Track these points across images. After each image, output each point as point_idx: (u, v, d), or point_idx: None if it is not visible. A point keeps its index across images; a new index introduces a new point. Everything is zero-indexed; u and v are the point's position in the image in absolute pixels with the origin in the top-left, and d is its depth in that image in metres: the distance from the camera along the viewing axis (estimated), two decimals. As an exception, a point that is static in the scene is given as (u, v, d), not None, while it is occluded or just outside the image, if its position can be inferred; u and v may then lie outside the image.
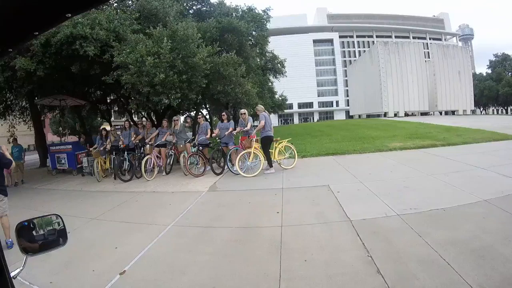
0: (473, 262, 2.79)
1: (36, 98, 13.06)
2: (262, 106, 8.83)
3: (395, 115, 43.17)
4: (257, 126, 8.44)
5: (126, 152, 9.21)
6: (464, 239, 3.27)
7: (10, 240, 4.23)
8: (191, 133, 13.36)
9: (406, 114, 43.57)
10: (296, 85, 70.22)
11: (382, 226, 3.87)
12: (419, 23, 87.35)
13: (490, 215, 3.87)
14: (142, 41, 9.01)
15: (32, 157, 17.93)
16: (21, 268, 1.24)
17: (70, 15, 0.79)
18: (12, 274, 1.09)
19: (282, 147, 8.61)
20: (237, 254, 3.60)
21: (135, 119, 15.97)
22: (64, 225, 1.37)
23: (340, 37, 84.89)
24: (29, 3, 0.73)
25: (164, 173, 9.13)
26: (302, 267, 3.09)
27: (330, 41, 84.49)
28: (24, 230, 1.25)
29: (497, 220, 3.71)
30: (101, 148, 9.98)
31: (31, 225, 1.27)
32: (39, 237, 1.28)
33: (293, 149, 8.69)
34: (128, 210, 6.04)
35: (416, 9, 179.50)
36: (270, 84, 22.73)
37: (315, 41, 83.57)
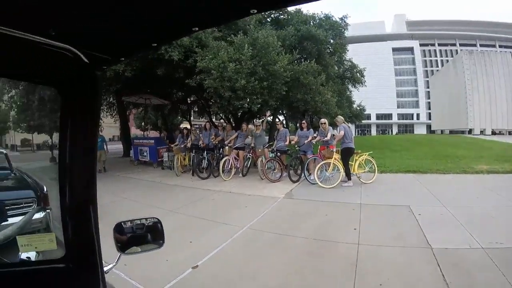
0: None
1: (123, 95, 14.28)
2: (342, 117, 8.63)
3: (481, 132, 38.86)
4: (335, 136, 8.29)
5: (205, 151, 9.73)
6: None
7: None
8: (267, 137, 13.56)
9: (493, 133, 38.99)
10: (375, 95, 66.72)
11: (464, 259, 3.53)
12: (507, 30, 76.85)
13: None
14: (224, 48, 9.46)
15: (116, 147, 19.96)
16: (114, 264, 1.32)
17: (197, 29, 0.86)
18: (105, 269, 1.17)
19: (362, 160, 8.33)
20: (310, 267, 3.56)
21: (214, 120, 16.83)
22: (162, 229, 1.39)
23: (421, 45, 78.77)
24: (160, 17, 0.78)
25: (240, 175, 9.40)
26: None
27: (410, 49, 78.93)
28: (122, 229, 1.28)
29: None
30: (182, 145, 10.72)
31: (130, 225, 1.31)
32: (135, 237, 1.31)
33: (373, 163, 8.38)
34: (205, 207, 6.32)
35: (502, 15, 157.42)
36: (348, 93, 22.14)
37: (394, 50, 78.74)
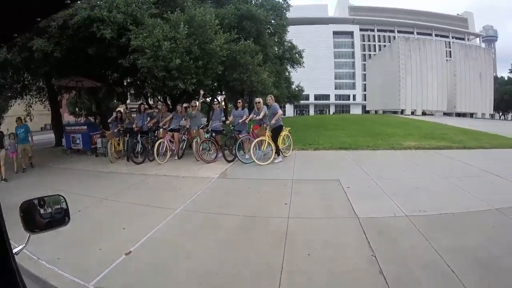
0: (478, 272, 2.76)
1: (53, 79, 13.21)
2: (272, 96, 8.86)
3: (412, 113, 42.23)
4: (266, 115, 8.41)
5: (139, 135, 9.33)
6: (471, 247, 3.23)
7: None
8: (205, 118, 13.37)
9: (424, 113, 42.59)
10: (314, 76, 68.68)
11: (389, 226, 3.84)
12: (443, 21, 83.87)
13: (500, 225, 3.79)
14: (159, 26, 9.02)
15: (48, 137, 18.40)
16: (24, 245, 1.28)
17: (69, 1, 0.82)
18: (14, 251, 1.12)
19: (284, 136, 8.71)
20: (242, 242, 3.66)
21: (151, 102, 16.08)
22: (67, 206, 1.41)
23: (361, 30, 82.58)
24: None
25: (176, 158, 9.21)
26: (305, 261, 3.12)
27: (351, 33, 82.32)
28: (28, 209, 1.27)
29: (507, 231, 3.62)
30: (115, 130, 10.16)
31: (35, 204, 1.30)
32: (42, 216, 1.30)
33: (290, 139, 9.10)
34: (139, 192, 6.17)
35: (439, 6, 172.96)
36: (287, 74, 22.52)
37: (335, 33, 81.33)
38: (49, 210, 1.33)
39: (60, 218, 1.36)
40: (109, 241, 3.80)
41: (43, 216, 1.30)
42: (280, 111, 8.28)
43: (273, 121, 8.07)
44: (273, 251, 3.35)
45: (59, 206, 1.37)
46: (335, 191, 5.46)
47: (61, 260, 3.34)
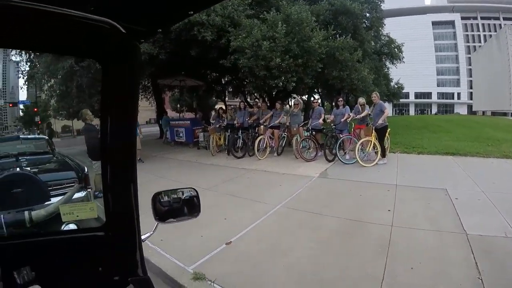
0: None
1: (158, 78, 14.63)
2: (378, 94, 8.41)
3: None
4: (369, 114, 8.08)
5: (240, 131, 9.82)
6: None
7: None
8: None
9: (540, 117, 35.93)
10: (413, 72, 62.54)
11: (499, 247, 3.37)
12: None
13: None
14: (257, 26, 9.31)
15: (153, 129, 20.63)
16: (151, 233, 1.34)
17: None
18: (143, 237, 1.21)
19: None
20: (342, 246, 3.57)
21: (249, 100, 16.85)
22: (198, 198, 1.42)
23: (462, 18, 72.40)
24: None
25: (275, 154, 9.41)
26: (407, 274, 2.92)
27: (451, 23, 72.89)
28: (159, 199, 1.31)
29: None
30: (217, 125, 10.90)
31: (167, 195, 1.34)
32: (172, 207, 1.34)
33: (389, 140, 8.82)
34: (239, 185, 6.43)
35: None
36: (385, 70, 21.32)
37: (434, 23, 72.76)
38: (179, 201, 1.36)
39: (191, 210, 1.38)
40: (211, 229, 3.95)
41: (173, 207, 1.34)
42: (387, 110, 7.87)
43: (380, 121, 7.66)
44: (374, 259, 3.19)
45: (190, 198, 1.39)
46: (442, 201, 4.98)
47: (164, 241, 3.52)
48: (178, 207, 1.35)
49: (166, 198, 1.34)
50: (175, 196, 1.36)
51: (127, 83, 0.99)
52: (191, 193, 1.41)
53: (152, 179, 6.98)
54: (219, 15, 9.52)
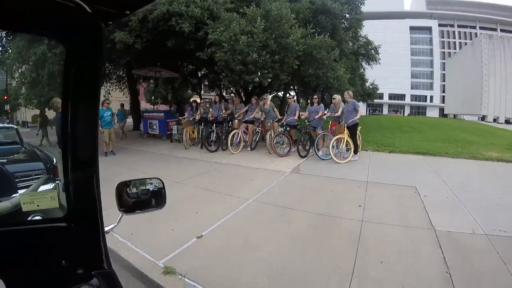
0: None
1: (133, 69, 14.24)
2: (351, 92, 8.58)
3: (494, 120, 37.91)
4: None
5: (214, 124, 9.73)
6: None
7: None
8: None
9: (507, 122, 37.95)
10: (389, 74, 64.82)
11: (466, 243, 3.53)
12: None
13: None
14: (236, 20, 9.20)
15: (127, 121, 20.09)
16: (115, 224, 1.33)
17: None
18: (106, 229, 1.18)
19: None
20: (313, 241, 3.61)
21: (224, 94, 16.67)
22: (164, 190, 1.38)
23: (440, 25, 75.46)
24: None
25: (249, 149, 9.43)
26: (377, 268, 2.99)
27: (429, 29, 75.75)
28: (124, 190, 1.28)
29: None
30: (191, 118, 10.73)
31: (132, 186, 1.31)
32: (137, 198, 1.30)
33: (360, 139, 9.01)
34: (212, 179, 6.39)
35: None
36: (361, 70, 21.75)
37: (412, 28, 75.62)
38: (144, 192, 1.33)
39: (157, 201, 1.35)
40: (182, 223, 3.95)
41: (140, 198, 1.31)
42: (360, 110, 8.05)
43: (356, 118, 7.86)
44: (345, 254, 3.25)
45: (156, 189, 1.36)
46: (411, 198, 5.15)
47: (134, 235, 3.52)
48: (144, 198, 1.32)
49: (132, 189, 1.31)
50: (142, 187, 1.33)
51: (90, 66, 0.94)
52: (157, 184, 1.38)
53: (123, 171, 6.86)
54: (199, 6, 9.35)
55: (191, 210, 4.41)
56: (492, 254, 3.28)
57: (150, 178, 1.38)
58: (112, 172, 6.28)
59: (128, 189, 1.29)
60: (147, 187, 1.34)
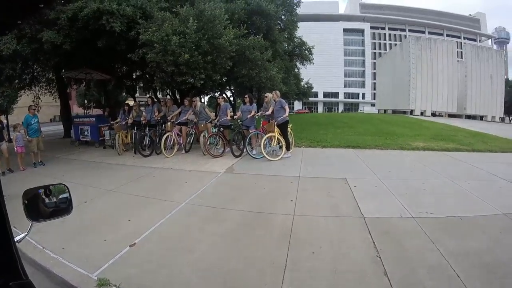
0: (483, 276, 2.73)
1: (62, 70, 13.29)
2: (278, 92, 8.88)
3: (422, 113, 41.91)
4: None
5: (147, 128, 9.39)
6: (477, 251, 3.19)
7: None
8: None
9: (433, 114, 42.22)
10: (323, 73, 68.65)
11: (395, 227, 3.82)
12: (454, 21, 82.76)
13: (507, 230, 3.72)
14: (169, 20, 9.03)
15: (56, 128, 18.60)
16: (26, 233, 1.27)
17: None
18: (16, 239, 1.12)
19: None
20: (246, 238, 3.66)
21: (160, 96, 16.12)
22: (70, 195, 1.38)
23: (372, 28, 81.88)
24: None
25: (183, 151, 9.24)
26: (309, 259, 3.12)
27: (361, 31, 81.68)
28: (31, 197, 1.25)
29: (514, 237, 3.56)
30: (123, 123, 10.22)
31: (39, 193, 1.28)
32: (45, 205, 1.29)
33: (292, 136, 9.23)
34: (145, 184, 6.20)
35: (451, 6, 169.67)
36: (296, 70, 22.46)
37: (345, 30, 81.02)
38: (53, 199, 1.32)
39: (64, 207, 1.34)
40: (114, 232, 3.83)
41: (47, 205, 1.29)
42: (287, 107, 8.27)
43: (285, 115, 8.07)
44: (277, 248, 3.35)
45: (62, 196, 1.36)
46: (341, 189, 5.45)
47: (66, 250, 3.39)
48: (52, 205, 1.30)
49: (38, 196, 1.27)
50: (47, 193, 1.30)
51: None
52: (63, 189, 1.37)
53: (52, 182, 6.20)
54: (131, 5, 9.01)
55: (124, 218, 4.27)
56: (420, 235, 3.59)
57: (55, 184, 1.36)
58: (40, 184, 5.65)
59: (35, 197, 1.26)
60: (54, 193, 1.32)
